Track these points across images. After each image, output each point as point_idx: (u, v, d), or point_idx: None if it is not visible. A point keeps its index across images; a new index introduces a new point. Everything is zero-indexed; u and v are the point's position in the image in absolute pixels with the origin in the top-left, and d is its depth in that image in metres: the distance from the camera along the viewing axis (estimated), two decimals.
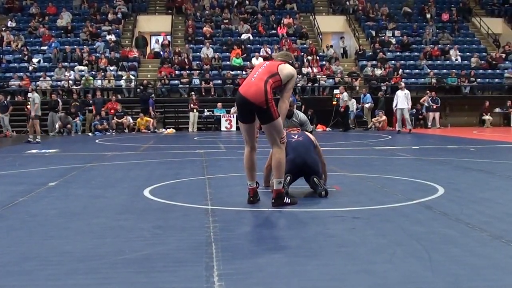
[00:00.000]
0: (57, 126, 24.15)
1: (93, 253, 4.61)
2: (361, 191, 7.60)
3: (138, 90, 27.53)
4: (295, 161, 7.19)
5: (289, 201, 6.59)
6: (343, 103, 25.01)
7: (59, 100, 24.26)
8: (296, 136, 7.46)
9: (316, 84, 28.60)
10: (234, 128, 25.82)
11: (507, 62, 31.40)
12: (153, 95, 26.98)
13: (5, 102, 24.23)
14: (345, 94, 25.23)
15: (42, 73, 27.94)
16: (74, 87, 27.50)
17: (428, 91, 27.39)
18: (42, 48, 30.44)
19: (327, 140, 17.77)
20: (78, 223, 5.89)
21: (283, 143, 6.62)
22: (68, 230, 5.55)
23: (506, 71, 30.29)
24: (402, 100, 22.99)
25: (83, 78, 27.70)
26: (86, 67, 28.64)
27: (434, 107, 26.56)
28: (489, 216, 5.93)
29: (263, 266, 4.23)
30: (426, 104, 26.58)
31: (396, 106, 23.10)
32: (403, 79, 28.31)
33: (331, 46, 32.31)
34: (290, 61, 6.97)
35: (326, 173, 7.76)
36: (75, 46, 30.25)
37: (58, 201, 7.28)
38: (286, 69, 6.66)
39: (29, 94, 20.09)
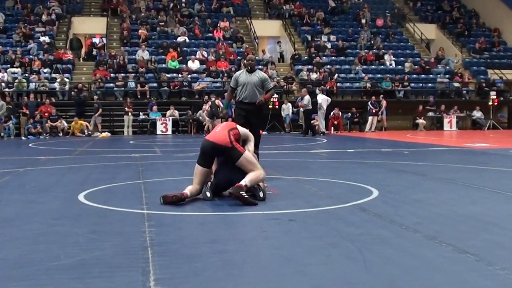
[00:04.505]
0: None
1: (27, 259, 4.52)
2: (298, 194, 7.66)
3: (73, 93, 27.06)
4: (219, 183, 7.27)
5: (245, 196, 6.71)
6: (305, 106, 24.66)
7: None
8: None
9: None
10: (170, 132, 25.69)
11: (439, 67, 32.14)
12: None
13: None
14: (307, 97, 24.64)
15: None
16: (7, 89, 26.88)
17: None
18: None
19: (263, 144, 17.79)
20: (11, 229, 5.76)
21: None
22: (1, 237, 5.42)
23: (438, 75, 31.03)
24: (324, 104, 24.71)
25: (16, 80, 27.07)
26: (19, 69, 28.01)
27: (374, 111, 26.93)
28: (422, 217, 6.06)
29: (199, 270, 4.22)
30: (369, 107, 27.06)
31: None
32: (338, 83, 28.74)
33: (263, 51, 32.42)
34: None
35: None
36: (8, 48, 29.57)
37: None
38: (243, 129, 7.74)
39: None
